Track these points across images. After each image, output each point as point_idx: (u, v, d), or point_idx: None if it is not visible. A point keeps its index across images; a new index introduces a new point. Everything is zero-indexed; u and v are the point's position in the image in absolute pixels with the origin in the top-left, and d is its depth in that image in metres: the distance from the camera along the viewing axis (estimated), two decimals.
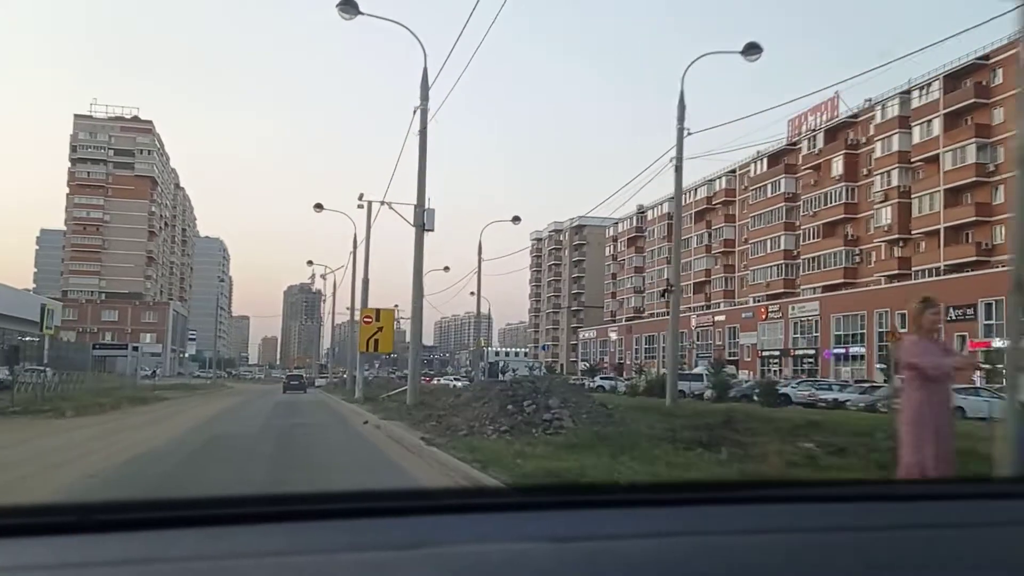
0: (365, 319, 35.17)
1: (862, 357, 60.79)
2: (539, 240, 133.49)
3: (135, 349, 48.96)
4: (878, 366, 58.48)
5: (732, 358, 74.53)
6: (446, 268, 68.35)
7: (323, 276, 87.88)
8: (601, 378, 67.14)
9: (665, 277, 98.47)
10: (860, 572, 1.19)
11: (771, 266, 77.63)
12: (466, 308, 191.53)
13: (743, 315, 75.73)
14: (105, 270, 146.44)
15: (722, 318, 79.03)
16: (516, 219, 48.97)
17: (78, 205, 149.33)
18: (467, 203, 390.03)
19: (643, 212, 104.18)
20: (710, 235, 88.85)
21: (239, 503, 1.29)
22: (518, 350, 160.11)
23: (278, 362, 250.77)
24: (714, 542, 1.21)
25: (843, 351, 62.73)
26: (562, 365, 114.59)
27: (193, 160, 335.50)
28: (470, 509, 1.35)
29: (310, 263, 63.67)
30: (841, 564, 1.19)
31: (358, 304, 39.95)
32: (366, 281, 35.71)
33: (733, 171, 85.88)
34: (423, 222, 22.95)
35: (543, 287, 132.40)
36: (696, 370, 58.76)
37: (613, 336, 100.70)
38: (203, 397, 44.59)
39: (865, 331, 60.49)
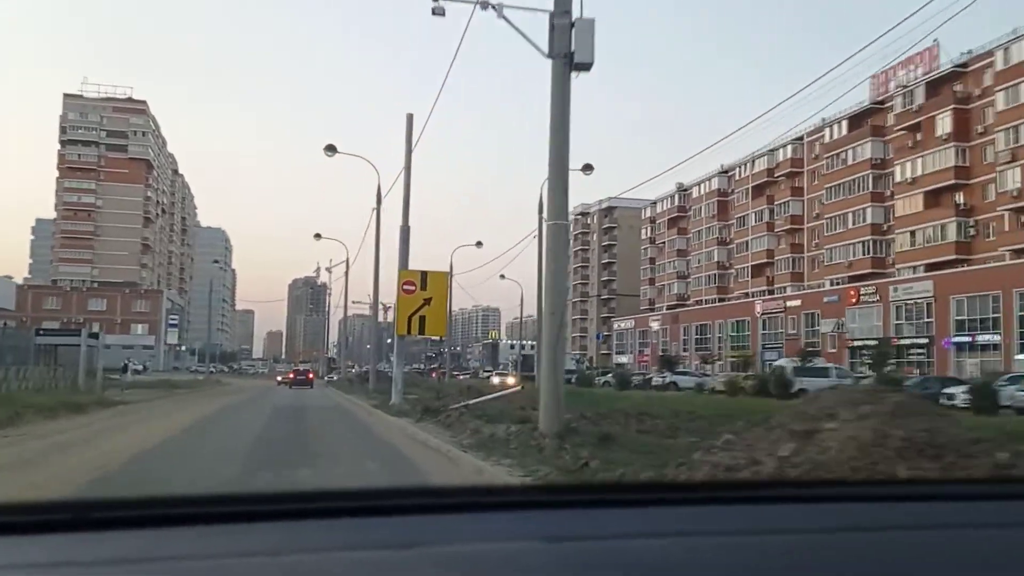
0: (405, 287, 23.07)
1: (995, 346, 48.66)
2: None
3: (94, 336, 36.61)
4: (1020, 356, 46.46)
5: (810, 348, 62.33)
6: (478, 243, 56.66)
7: (329, 269, 76.56)
8: (675, 373, 54.85)
9: (716, 260, 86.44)
10: (857, 572, 1.15)
11: (854, 243, 65.34)
12: (473, 301, 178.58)
13: (825, 299, 63.45)
14: (97, 258, 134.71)
15: (796, 303, 66.78)
16: (588, 168, 36.83)
17: (68, 189, 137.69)
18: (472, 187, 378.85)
19: (685, 190, 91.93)
20: (772, 211, 76.51)
21: (236, 501, 1.26)
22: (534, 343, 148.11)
23: (283, 356, 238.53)
24: (712, 542, 1.19)
25: (967, 339, 50.56)
26: (591, 358, 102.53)
27: (195, 157, 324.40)
28: (468, 508, 1.33)
29: (318, 236, 51.41)
30: (839, 564, 1.15)
31: (387, 269, 28.04)
32: (406, 230, 23.47)
33: (800, 138, 73.55)
34: (569, 47, 10.66)
35: (568, 275, 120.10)
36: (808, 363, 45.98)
37: (655, 326, 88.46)
38: (179, 400, 32.58)
39: (1000, 315, 48.36)
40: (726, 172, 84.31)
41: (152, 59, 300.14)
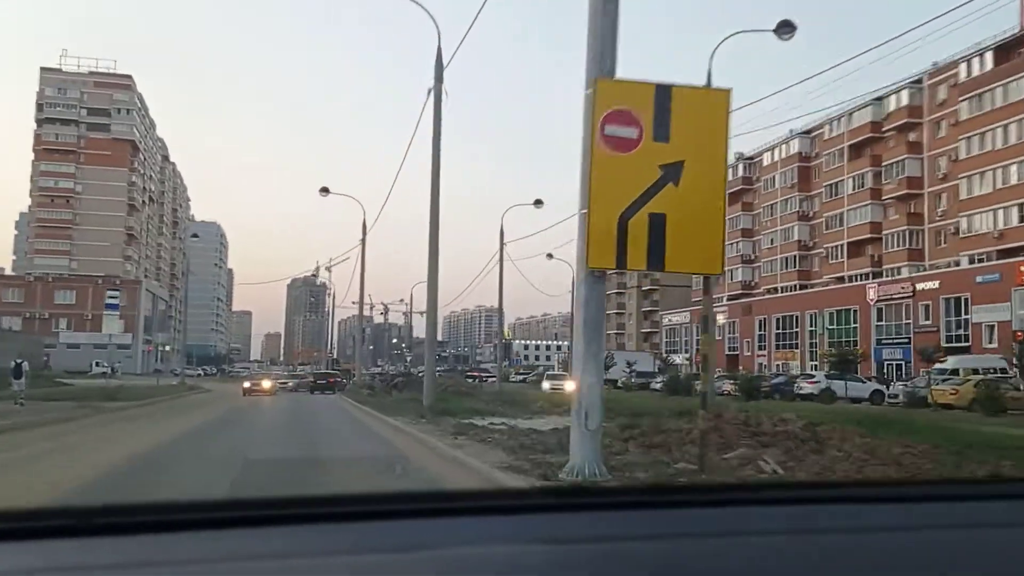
0: (608, 127, 7.39)
1: None
2: None
3: None
4: None
5: (956, 343, 47.30)
6: (538, 202, 41.93)
7: (328, 268, 65.16)
8: (839, 378, 39.22)
9: (796, 239, 71.23)
10: (860, 573, 1.15)
11: (1005, 207, 50.10)
12: (475, 301, 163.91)
13: (978, 279, 48.19)
14: (76, 249, 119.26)
15: (932, 285, 51.44)
16: (786, 26, 21.51)
17: (45, 173, 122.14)
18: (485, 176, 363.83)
19: (751, 159, 76.76)
20: (878, 175, 61.24)
21: (238, 506, 1.25)
22: (561, 344, 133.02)
23: (281, 358, 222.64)
24: (713, 544, 1.18)
25: None
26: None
27: (195, 160, 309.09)
28: (470, 512, 1.32)
29: (325, 191, 36.69)
30: (841, 565, 1.15)
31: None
32: None
33: (918, 81, 58.39)
34: None
35: None
36: None
37: (720, 319, 72.99)
38: (67, 435, 17.19)
39: None
40: (808, 132, 69.10)
41: (149, 56, 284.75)
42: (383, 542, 1.12)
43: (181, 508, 1.22)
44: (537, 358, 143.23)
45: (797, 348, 62.61)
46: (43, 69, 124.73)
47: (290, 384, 48.43)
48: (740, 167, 77.95)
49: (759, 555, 1.14)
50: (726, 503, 1.41)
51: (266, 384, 40.63)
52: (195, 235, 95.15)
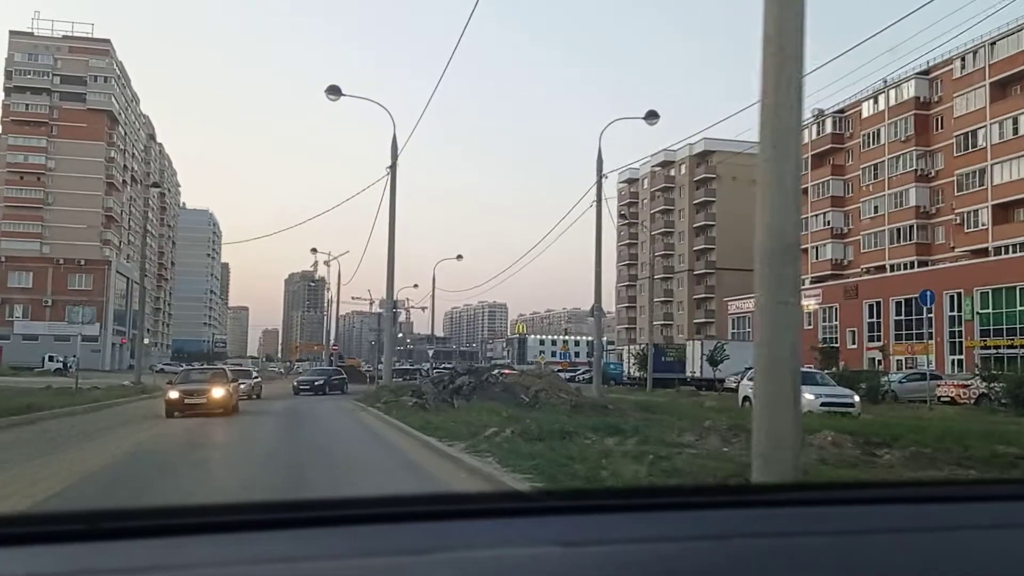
0: None
1: None
2: (632, 181, 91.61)
3: None
4: None
5: None
6: (651, 114, 28.08)
7: (327, 263, 61.65)
8: None
9: (913, 204, 56.99)
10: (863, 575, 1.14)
11: None
12: (479, 297, 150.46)
13: None
14: (48, 231, 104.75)
15: None
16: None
17: (13, 148, 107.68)
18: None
19: (843, 112, 62.67)
20: None
21: (249, 510, 1.25)
22: (602, 340, 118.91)
23: (279, 354, 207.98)
24: (727, 546, 1.16)
25: None
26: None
27: (192, 161, 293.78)
28: (483, 514, 1.31)
29: (335, 92, 22.48)
30: (852, 568, 1.14)
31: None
32: None
33: None
34: None
35: (640, 247, 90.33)
36: None
37: (811, 304, 58.83)
38: None
39: None
40: (926, 72, 54.96)
41: (143, 54, 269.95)
42: (396, 544, 1.09)
43: (191, 512, 1.19)
44: (554, 353, 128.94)
45: (930, 339, 48.35)
46: (12, 33, 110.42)
47: (242, 387, 26.03)
48: (828, 122, 63.88)
49: (768, 557, 1.12)
50: (737, 505, 1.40)
51: (216, 393, 20.11)
52: (155, 184, 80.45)
